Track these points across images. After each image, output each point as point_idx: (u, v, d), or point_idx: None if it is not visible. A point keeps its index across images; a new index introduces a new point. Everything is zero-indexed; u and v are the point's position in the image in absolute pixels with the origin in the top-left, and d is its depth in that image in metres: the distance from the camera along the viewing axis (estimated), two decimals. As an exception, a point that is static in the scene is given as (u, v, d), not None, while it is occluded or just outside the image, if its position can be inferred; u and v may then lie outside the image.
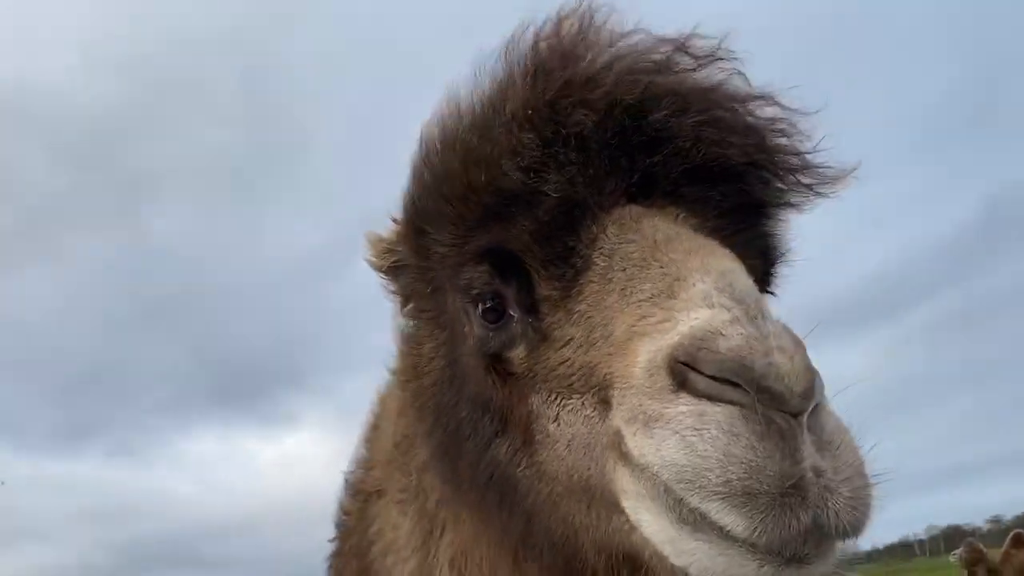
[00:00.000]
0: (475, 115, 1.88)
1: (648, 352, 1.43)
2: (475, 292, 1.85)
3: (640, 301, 1.52)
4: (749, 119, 1.78)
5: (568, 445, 1.64)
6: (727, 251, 1.58)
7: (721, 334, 1.34)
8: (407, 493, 2.31)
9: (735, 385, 1.32)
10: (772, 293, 1.89)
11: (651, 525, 1.45)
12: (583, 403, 1.60)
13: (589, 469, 1.58)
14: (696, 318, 1.38)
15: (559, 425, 1.66)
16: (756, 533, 1.29)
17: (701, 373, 1.34)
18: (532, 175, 1.69)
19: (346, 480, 2.84)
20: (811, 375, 1.32)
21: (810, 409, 1.32)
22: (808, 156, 1.81)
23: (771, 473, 1.28)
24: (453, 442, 1.95)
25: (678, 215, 1.68)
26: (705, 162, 1.68)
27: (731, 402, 1.32)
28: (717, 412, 1.33)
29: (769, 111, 1.83)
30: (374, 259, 2.22)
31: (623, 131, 1.68)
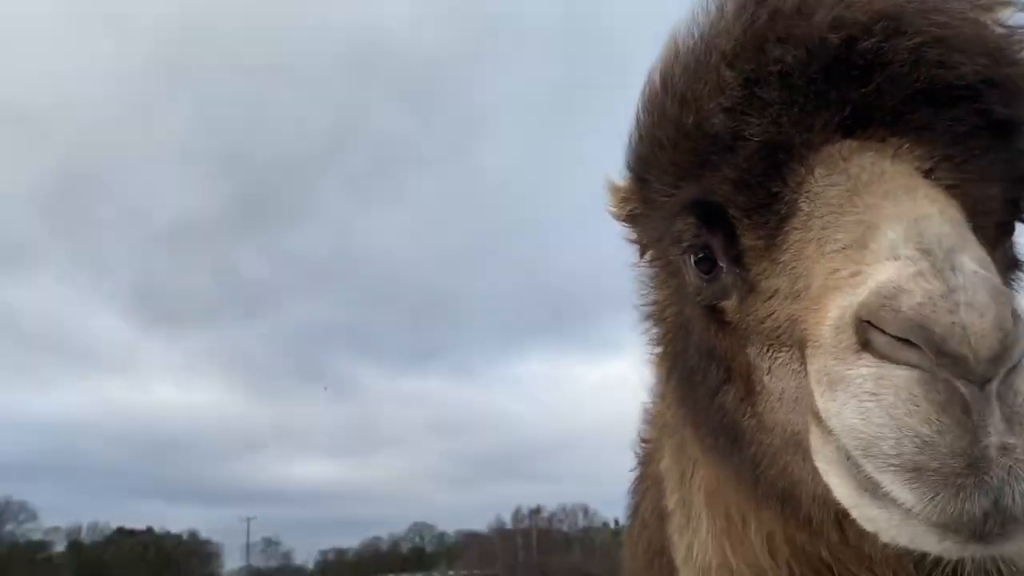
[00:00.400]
0: (688, 53, 1.80)
1: (837, 309, 1.34)
2: (686, 244, 1.82)
3: (833, 252, 1.43)
4: (980, 32, 1.60)
5: (780, 399, 1.59)
6: (932, 191, 1.43)
7: (904, 290, 1.21)
8: (669, 428, 2.33)
9: (917, 346, 1.21)
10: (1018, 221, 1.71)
11: (838, 488, 1.38)
12: (791, 357, 1.53)
13: (798, 424, 1.52)
14: (882, 272, 1.27)
15: (772, 378, 1.61)
16: (928, 510, 1.20)
17: (884, 332, 1.23)
18: (735, 117, 1.61)
19: (645, 410, 2.87)
20: (1003, 334, 1.16)
21: (1001, 375, 1.17)
22: None
23: (945, 450, 1.17)
24: (688, 387, 1.95)
25: (902, 146, 1.52)
26: (929, 85, 1.52)
27: (912, 365, 1.21)
28: (897, 376, 1.22)
29: (1001, 23, 1.67)
30: (613, 208, 2.17)
31: (831, 63, 1.56)
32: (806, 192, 1.54)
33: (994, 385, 1.18)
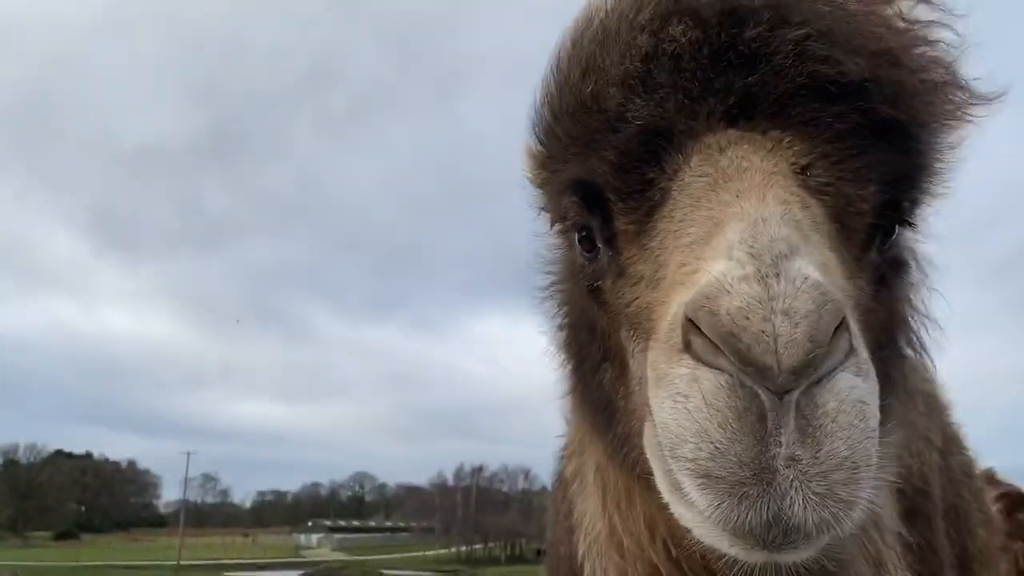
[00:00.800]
0: (598, 21, 1.70)
1: (676, 305, 1.32)
2: (570, 222, 1.79)
3: (684, 245, 1.41)
4: (870, 28, 1.54)
5: (639, 383, 1.56)
6: (785, 191, 1.38)
7: (727, 291, 1.19)
8: None
9: None
10: (908, 223, 1.65)
11: (658, 482, 1.38)
12: (646, 344, 1.47)
13: (646, 412, 1.45)
14: (712, 272, 1.24)
15: (634, 362, 1.60)
16: (715, 516, 1.20)
17: (703, 334, 1.21)
18: (625, 95, 1.56)
19: None
20: (812, 346, 1.13)
21: (803, 386, 1.15)
22: (945, 71, 1.59)
23: (734, 458, 1.16)
24: (576, 361, 1.95)
25: (781, 140, 1.46)
26: (812, 80, 1.46)
27: (721, 369, 1.19)
28: (706, 380, 1.20)
29: (896, 19, 1.61)
30: (527, 173, 2.04)
31: (720, 49, 1.50)
32: (679, 181, 1.49)
33: (794, 396, 1.15)
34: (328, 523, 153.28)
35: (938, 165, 1.65)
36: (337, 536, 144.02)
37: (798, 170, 1.45)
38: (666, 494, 1.36)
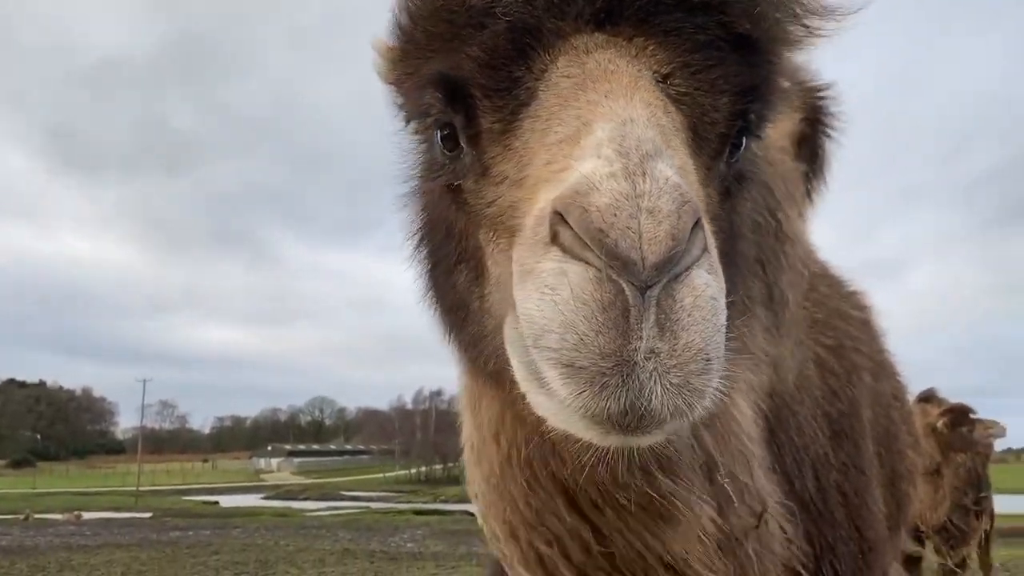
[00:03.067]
0: None
1: (542, 201, 1.35)
2: (431, 119, 1.77)
3: (552, 144, 1.43)
4: None
5: (497, 283, 1.60)
6: (650, 95, 1.45)
7: (596, 189, 1.23)
8: None
9: None
10: (756, 136, 1.73)
11: (517, 373, 1.42)
12: (508, 243, 1.51)
13: (506, 310, 1.50)
14: (583, 169, 1.28)
15: (493, 262, 1.62)
16: (575, 403, 1.25)
17: (571, 228, 1.25)
18: None
19: None
20: (674, 243, 1.20)
21: (664, 282, 1.20)
22: None
23: (598, 349, 1.21)
24: (431, 261, 1.96)
25: (646, 47, 1.52)
26: None
27: (588, 263, 1.23)
28: (574, 273, 1.24)
29: None
30: (381, 70, 2.00)
31: None
32: (546, 80, 1.52)
33: (655, 291, 1.20)
34: (287, 447, 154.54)
35: (784, 81, 1.74)
36: (296, 460, 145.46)
37: (660, 78, 1.50)
38: (524, 385, 1.39)
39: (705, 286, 1.24)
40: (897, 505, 3.27)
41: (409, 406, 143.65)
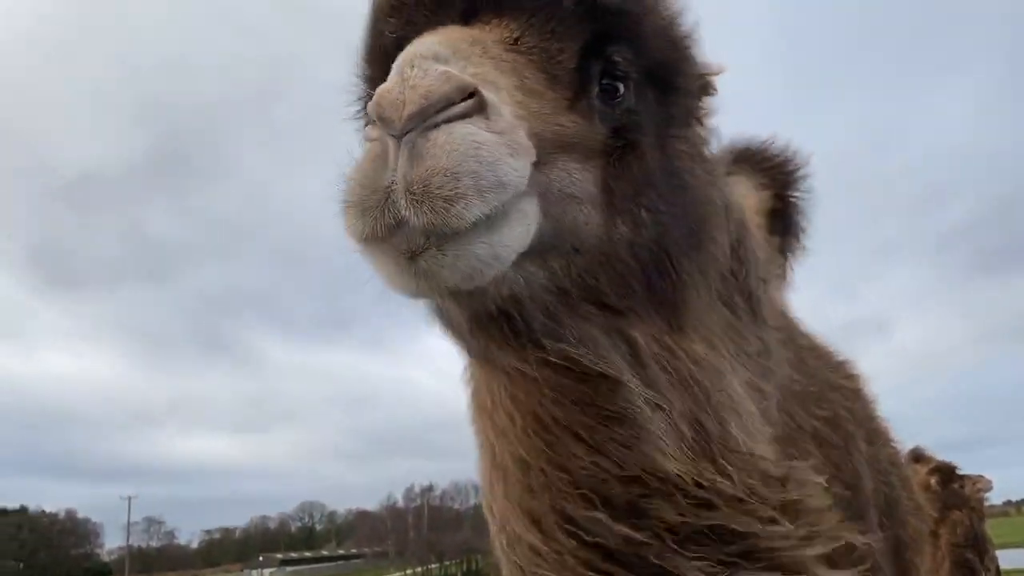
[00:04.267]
0: None
1: None
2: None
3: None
4: None
5: None
6: (460, 29, 1.71)
7: (383, 88, 1.46)
8: None
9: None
10: (621, 78, 1.85)
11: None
12: None
13: None
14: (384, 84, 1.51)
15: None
16: (354, 233, 1.46)
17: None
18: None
19: None
20: (426, 102, 1.40)
21: (420, 129, 1.40)
22: None
23: (363, 186, 1.44)
24: None
25: (501, 23, 1.75)
26: None
27: (374, 137, 1.49)
28: (370, 146, 1.49)
29: None
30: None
31: None
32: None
33: (412, 136, 1.40)
34: (279, 556, 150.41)
35: (654, 36, 1.88)
36: (289, 569, 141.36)
37: (512, 41, 1.71)
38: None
39: (467, 134, 1.42)
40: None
41: (400, 504, 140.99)
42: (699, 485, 1.75)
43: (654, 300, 1.76)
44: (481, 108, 1.46)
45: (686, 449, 1.76)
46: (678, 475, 1.72)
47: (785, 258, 4.03)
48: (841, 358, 3.53)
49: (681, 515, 1.72)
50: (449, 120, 1.42)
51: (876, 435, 3.35)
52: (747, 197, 3.77)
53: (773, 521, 1.81)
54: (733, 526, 1.76)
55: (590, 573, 1.74)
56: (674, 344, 1.80)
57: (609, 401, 1.73)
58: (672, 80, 1.92)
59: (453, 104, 1.43)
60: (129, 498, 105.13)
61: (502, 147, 1.44)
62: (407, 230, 1.41)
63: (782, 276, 3.90)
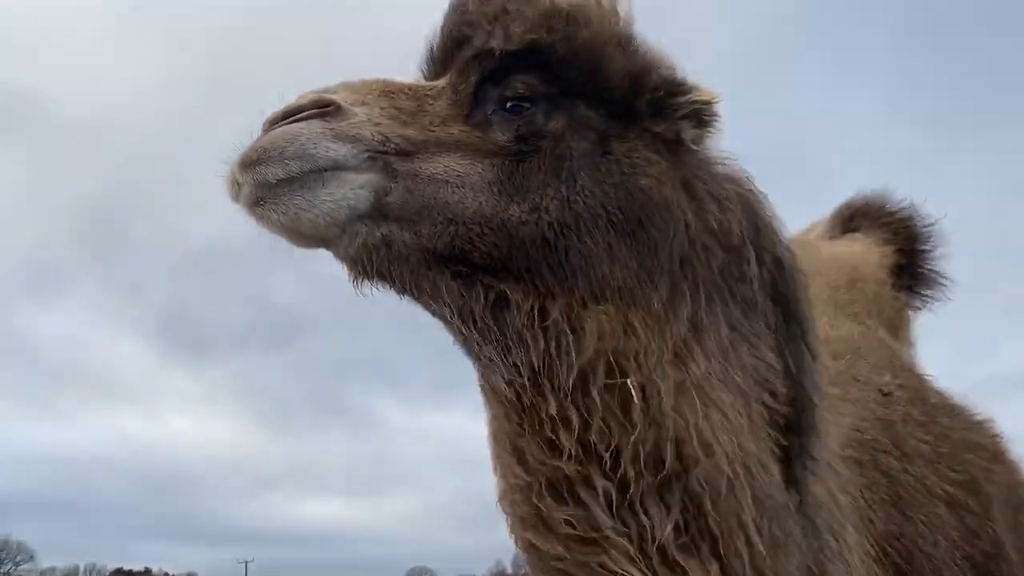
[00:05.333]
0: None
1: None
2: None
3: None
4: (464, 16, 2.26)
5: None
6: (382, 78, 2.21)
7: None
8: None
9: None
10: (512, 99, 2.15)
11: None
12: None
13: None
14: None
15: None
16: (234, 193, 1.98)
17: None
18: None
19: None
20: (283, 112, 2.00)
21: (266, 126, 1.99)
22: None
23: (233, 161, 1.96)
24: None
25: (449, 74, 2.23)
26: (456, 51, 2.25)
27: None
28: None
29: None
30: None
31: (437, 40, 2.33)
32: None
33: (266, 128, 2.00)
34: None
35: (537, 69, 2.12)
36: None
37: (450, 83, 2.16)
38: None
39: (295, 126, 1.94)
40: None
41: (509, 571, 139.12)
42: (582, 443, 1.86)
43: (555, 272, 1.92)
44: (326, 114, 1.97)
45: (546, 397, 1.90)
46: (551, 416, 1.88)
47: (914, 313, 3.91)
48: (980, 417, 3.35)
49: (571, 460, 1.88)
50: (295, 120, 1.96)
51: (1020, 498, 3.16)
52: (867, 253, 3.70)
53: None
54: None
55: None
56: (575, 312, 1.91)
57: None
58: (603, 97, 2.11)
59: (304, 111, 1.98)
60: (246, 563, 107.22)
61: (324, 135, 1.93)
62: (245, 190, 1.93)
63: (905, 329, 3.78)
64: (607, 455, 1.83)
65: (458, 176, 1.98)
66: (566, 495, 1.88)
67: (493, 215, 1.95)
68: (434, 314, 2.05)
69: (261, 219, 1.95)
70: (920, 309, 3.98)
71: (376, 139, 1.97)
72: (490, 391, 2.05)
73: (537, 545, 1.93)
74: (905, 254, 3.82)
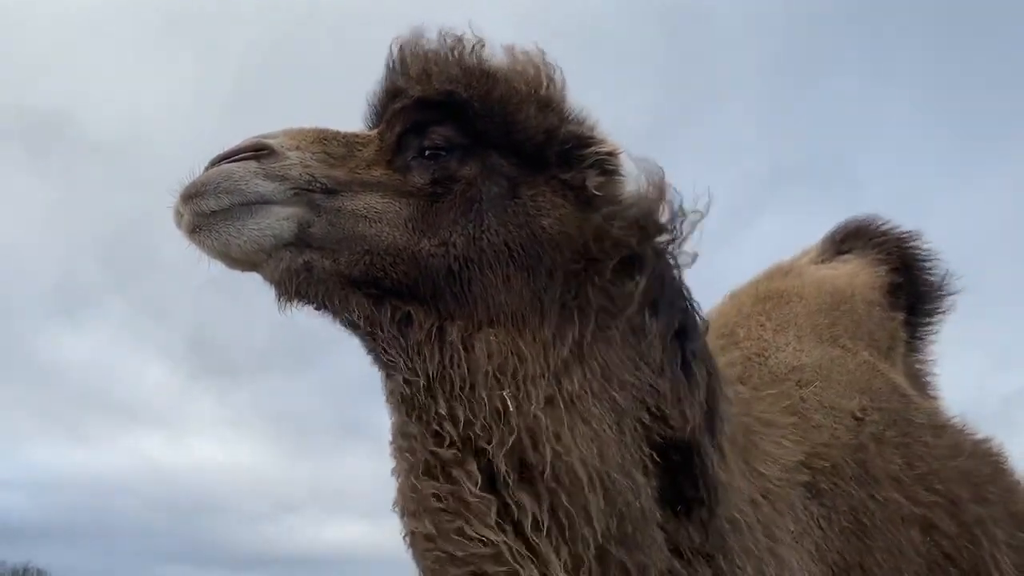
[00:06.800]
0: None
1: None
2: None
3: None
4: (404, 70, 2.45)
5: None
6: (307, 130, 2.41)
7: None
8: None
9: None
10: (430, 149, 2.35)
11: None
12: None
13: None
14: None
15: None
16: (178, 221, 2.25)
17: None
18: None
19: None
20: (223, 152, 2.27)
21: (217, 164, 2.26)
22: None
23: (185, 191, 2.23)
24: None
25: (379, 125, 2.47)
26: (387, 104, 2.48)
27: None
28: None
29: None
30: None
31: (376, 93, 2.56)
32: None
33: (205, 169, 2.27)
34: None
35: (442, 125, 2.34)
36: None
37: (378, 134, 2.41)
38: None
39: (230, 166, 2.22)
40: None
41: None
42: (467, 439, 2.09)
43: (457, 298, 2.15)
44: (260, 156, 2.24)
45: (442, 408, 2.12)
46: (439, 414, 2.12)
47: (913, 332, 3.83)
48: (975, 437, 3.27)
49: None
50: (233, 161, 2.24)
51: (1019, 520, 3.05)
52: (856, 275, 3.66)
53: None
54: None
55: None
56: (469, 333, 2.13)
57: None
58: (516, 148, 2.33)
59: (241, 153, 2.25)
60: None
61: (255, 174, 2.21)
62: (185, 219, 2.21)
63: (901, 351, 3.71)
64: (485, 446, 2.07)
65: (376, 213, 2.23)
66: (440, 474, 2.10)
67: (405, 248, 2.19)
68: (346, 324, 2.29)
69: (198, 245, 2.23)
70: (926, 327, 3.90)
71: (303, 178, 2.23)
72: (389, 390, 2.28)
73: (414, 530, 2.15)
74: (900, 273, 3.77)
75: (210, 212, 2.17)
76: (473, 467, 2.06)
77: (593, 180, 2.30)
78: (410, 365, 2.14)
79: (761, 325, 3.35)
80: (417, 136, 2.34)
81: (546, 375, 2.10)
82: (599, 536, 2.04)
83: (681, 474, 2.21)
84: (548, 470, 2.04)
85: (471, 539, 2.04)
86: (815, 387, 2.99)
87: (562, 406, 2.09)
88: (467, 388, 2.09)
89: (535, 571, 2.03)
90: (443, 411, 2.09)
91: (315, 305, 2.27)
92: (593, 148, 2.33)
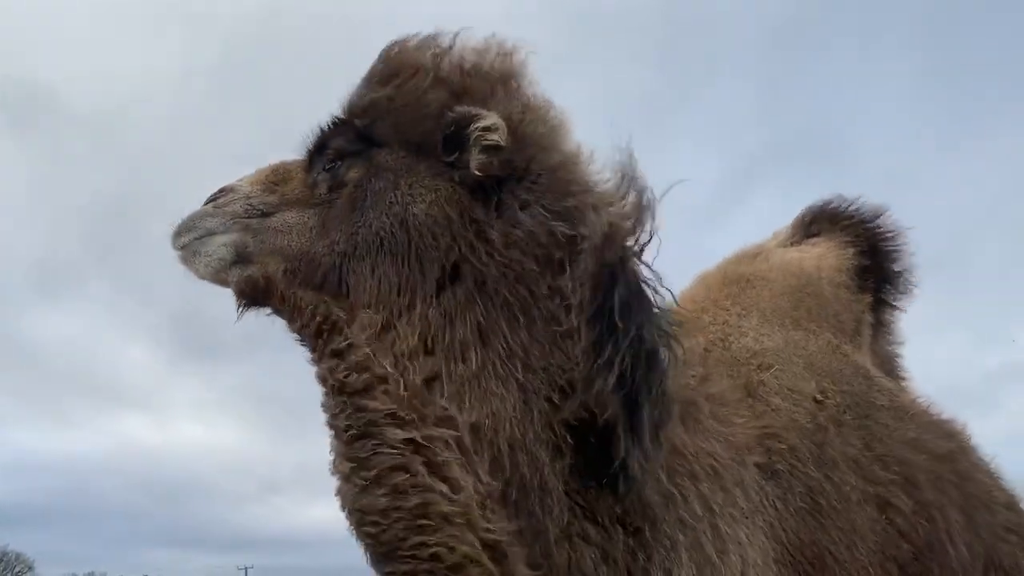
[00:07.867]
0: None
1: None
2: None
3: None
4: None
5: None
6: (263, 169, 2.80)
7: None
8: None
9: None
10: (328, 160, 2.66)
11: None
12: None
13: None
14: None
15: None
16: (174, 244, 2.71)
17: None
18: None
19: None
20: (208, 196, 2.72)
21: (206, 202, 2.71)
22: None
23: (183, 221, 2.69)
24: None
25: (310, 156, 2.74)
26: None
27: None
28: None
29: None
30: None
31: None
32: None
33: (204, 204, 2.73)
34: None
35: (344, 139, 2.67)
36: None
37: (306, 163, 2.74)
38: None
39: (199, 210, 2.70)
40: None
41: None
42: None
43: (342, 288, 2.41)
44: (217, 197, 2.71)
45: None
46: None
47: (880, 314, 3.86)
48: (938, 417, 3.31)
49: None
50: (205, 203, 2.72)
51: (980, 500, 3.09)
52: (823, 257, 3.68)
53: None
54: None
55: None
56: (350, 316, 2.38)
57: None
58: (406, 142, 2.54)
59: (211, 196, 2.72)
60: (246, 568, 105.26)
61: (207, 213, 2.67)
62: (173, 252, 2.69)
63: (868, 333, 3.74)
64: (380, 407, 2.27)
65: (289, 226, 2.59)
66: (352, 439, 2.31)
67: (308, 251, 2.52)
68: (281, 316, 2.62)
69: (185, 271, 2.73)
70: (897, 309, 3.93)
71: (242, 209, 2.66)
72: (310, 359, 2.53)
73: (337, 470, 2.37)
74: (868, 255, 3.79)
75: (182, 247, 2.68)
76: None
77: (475, 160, 2.36)
78: (315, 349, 2.46)
79: (726, 309, 3.38)
80: (320, 153, 2.70)
81: (431, 352, 2.29)
82: (482, 490, 2.18)
83: (596, 452, 2.27)
84: (439, 441, 2.20)
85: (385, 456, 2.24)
86: (774, 371, 3.03)
87: (452, 383, 2.26)
88: (361, 361, 2.31)
89: (445, 488, 2.17)
90: (342, 378, 2.33)
91: (261, 306, 2.68)
92: (474, 125, 2.38)
